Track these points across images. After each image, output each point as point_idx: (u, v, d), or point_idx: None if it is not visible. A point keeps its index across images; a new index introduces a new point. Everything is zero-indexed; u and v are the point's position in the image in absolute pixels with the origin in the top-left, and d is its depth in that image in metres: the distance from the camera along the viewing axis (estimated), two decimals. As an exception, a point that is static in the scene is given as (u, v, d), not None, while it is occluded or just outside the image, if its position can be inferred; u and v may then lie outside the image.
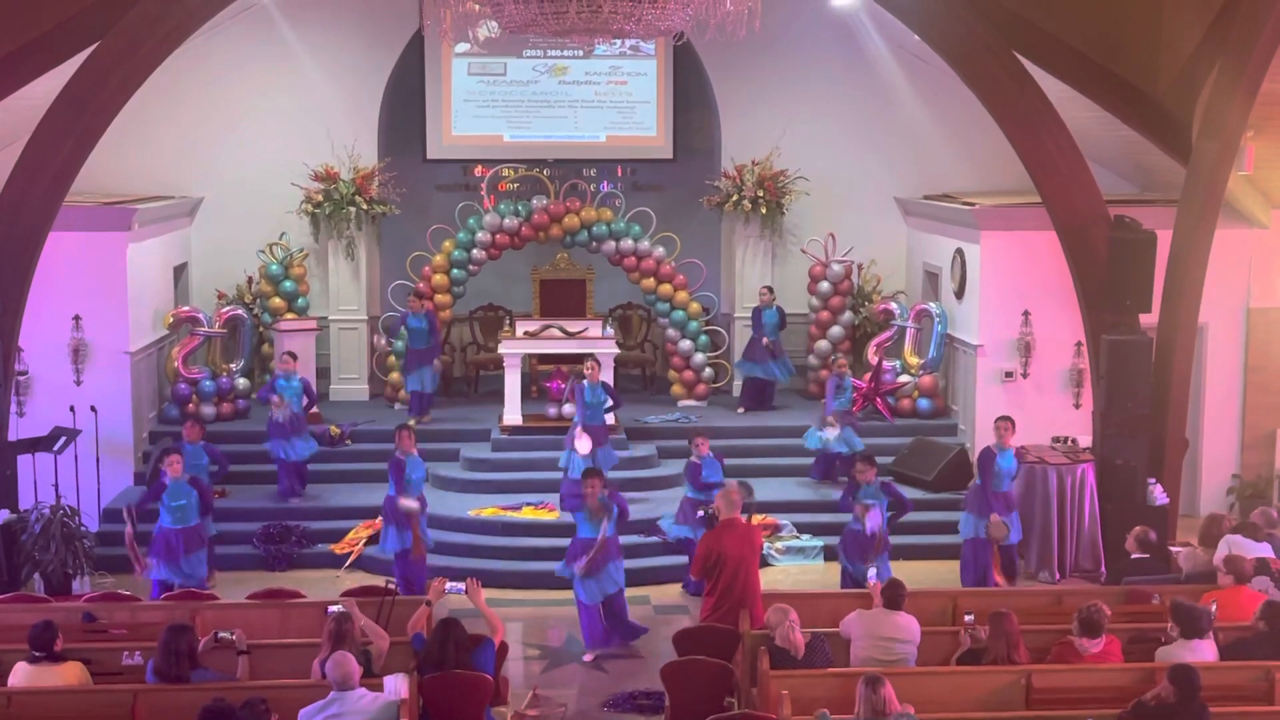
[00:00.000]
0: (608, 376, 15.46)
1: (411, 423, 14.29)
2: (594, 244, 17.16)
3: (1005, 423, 12.88)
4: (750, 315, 16.98)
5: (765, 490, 14.81)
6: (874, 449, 14.97)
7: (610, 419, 14.97)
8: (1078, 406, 15.25)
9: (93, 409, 14.40)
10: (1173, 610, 9.00)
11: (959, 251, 16.09)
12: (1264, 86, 12.32)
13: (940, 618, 10.14)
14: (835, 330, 17.29)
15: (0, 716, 8.23)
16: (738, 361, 17.11)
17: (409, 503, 12.56)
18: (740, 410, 16.72)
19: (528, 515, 14.23)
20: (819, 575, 13.75)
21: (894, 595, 9.38)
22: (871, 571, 11.62)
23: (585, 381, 14.46)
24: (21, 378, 14.57)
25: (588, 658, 11.70)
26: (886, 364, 16.43)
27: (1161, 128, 13.53)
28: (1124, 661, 8.93)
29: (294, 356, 14.97)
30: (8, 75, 12.31)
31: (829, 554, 14.03)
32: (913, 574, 12.95)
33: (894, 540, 12.44)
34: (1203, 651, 8.78)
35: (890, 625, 9.25)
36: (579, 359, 15.42)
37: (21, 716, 8.28)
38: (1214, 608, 9.28)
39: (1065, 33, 13.22)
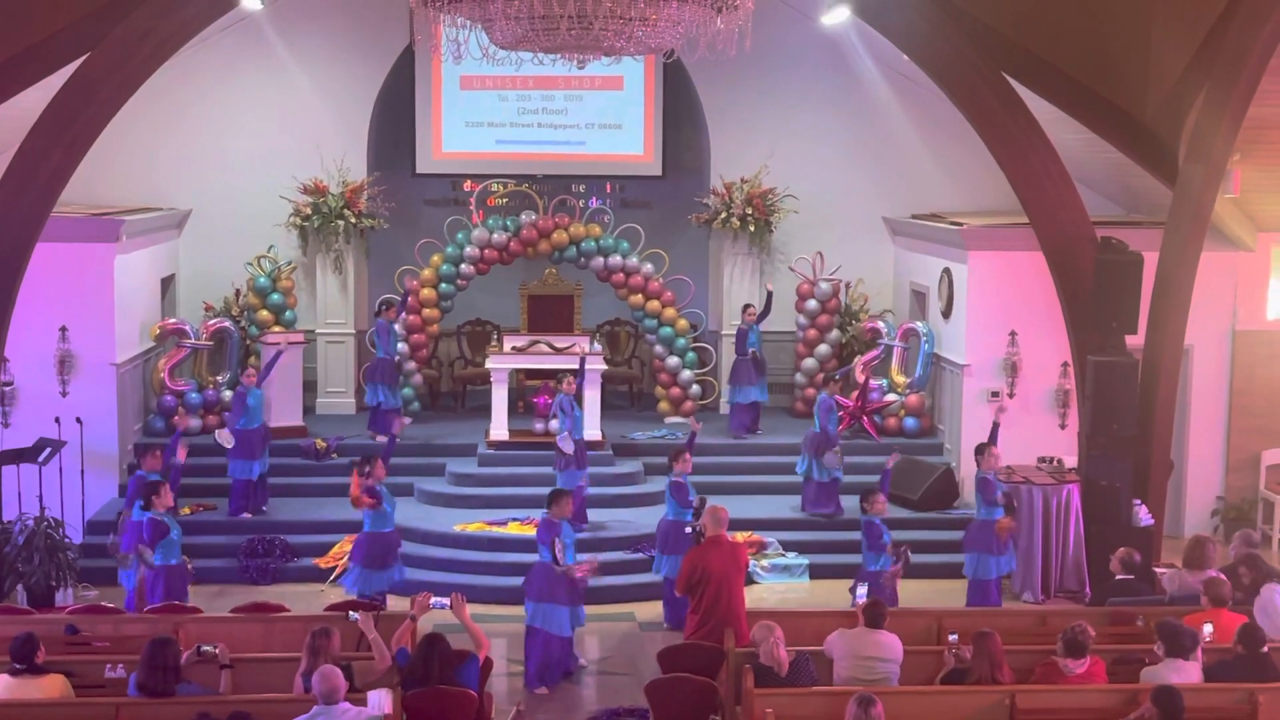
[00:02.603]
0: (595, 392, 15.50)
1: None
2: (582, 260, 17.18)
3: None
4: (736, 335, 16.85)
5: (752, 508, 14.84)
6: (860, 468, 15.05)
7: (598, 434, 14.96)
8: (1063, 427, 15.28)
9: (78, 420, 14.36)
10: (1159, 629, 9.02)
11: (946, 271, 16.13)
12: (1250, 111, 12.38)
13: (924, 637, 10.14)
14: (822, 348, 17.31)
15: (-19, 729, 8.20)
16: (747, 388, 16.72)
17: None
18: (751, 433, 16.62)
19: (514, 531, 14.20)
20: (804, 593, 13.75)
21: (874, 614, 9.37)
22: (860, 590, 11.59)
23: (562, 394, 14.49)
24: (7, 388, 14.57)
25: (543, 690, 11.38)
26: (873, 383, 16.45)
27: (1149, 150, 13.60)
28: (1108, 682, 8.93)
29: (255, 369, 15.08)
30: (-2, 85, 12.32)
31: (815, 572, 14.05)
32: (899, 593, 12.99)
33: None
34: (1187, 673, 8.79)
35: (872, 644, 9.24)
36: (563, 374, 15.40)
37: (2, 729, 8.26)
38: (1208, 629, 9.30)
39: (1054, 56, 13.28)
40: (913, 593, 13.22)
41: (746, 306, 16.67)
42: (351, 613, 9.36)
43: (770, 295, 16.52)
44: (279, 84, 17.59)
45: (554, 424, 14.82)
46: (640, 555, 13.75)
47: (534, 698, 11.17)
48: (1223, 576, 10.23)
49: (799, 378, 17.49)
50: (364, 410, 17.03)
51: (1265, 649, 8.94)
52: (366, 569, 12.23)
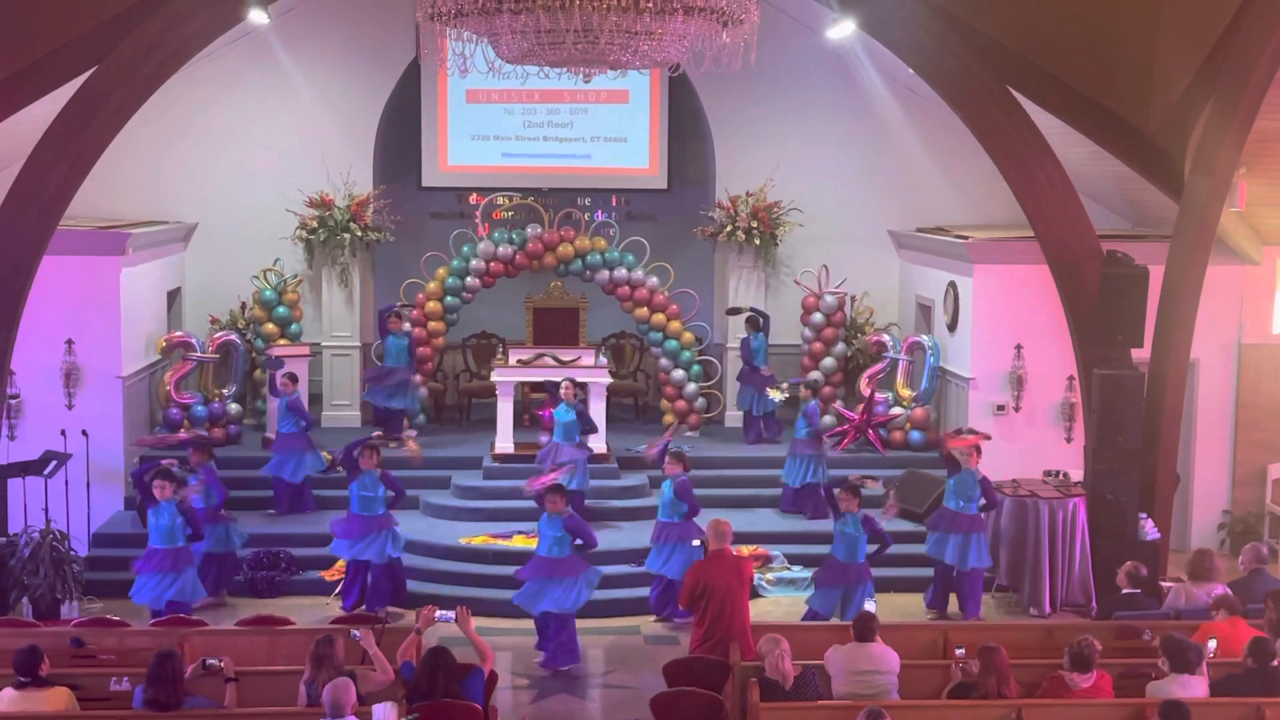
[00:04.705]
0: (599, 405, 15.50)
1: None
2: (588, 273, 17.19)
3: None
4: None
5: (755, 521, 14.82)
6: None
7: (601, 447, 15.03)
8: (1069, 440, 15.26)
9: (84, 433, 14.37)
10: (1163, 644, 9.00)
11: (952, 284, 16.12)
12: (1256, 124, 12.39)
13: (930, 651, 10.12)
14: (828, 362, 17.29)
15: (-14, 742, 8.19)
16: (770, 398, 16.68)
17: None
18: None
19: (519, 544, 14.17)
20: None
21: (864, 627, 9.37)
22: (869, 605, 11.57)
23: (563, 402, 14.52)
24: (13, 401, 14.55)
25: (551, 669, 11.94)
26: (879, 396, 16.43)
27: (1154, 164, 13.60)
28: (1115, 697, 8.91)
29: (294, 378, 15.22)
30: (4, 99, 12.31)
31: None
32: (905, 607, 13.00)
33: (887, 572, 12.40)
34: (1194, 687, 8.76)
35: (865, 658, 9.23)
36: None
37: (7, 742, 8.26)
38: (1213, 644, 9.27)
39: (1059, 69, 13.29)
40: (916, 606, 13.21)
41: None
42: (354, 631, 9.31)
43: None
44: (285, 97, 17.63)
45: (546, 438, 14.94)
46: (644, 569, 13.66)
47: (539, 712, 11.15)
48: (1229, 591, 10.20)
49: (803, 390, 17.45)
50: (369, 423, 17.05)
51: (1276, 663, 8.91)
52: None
